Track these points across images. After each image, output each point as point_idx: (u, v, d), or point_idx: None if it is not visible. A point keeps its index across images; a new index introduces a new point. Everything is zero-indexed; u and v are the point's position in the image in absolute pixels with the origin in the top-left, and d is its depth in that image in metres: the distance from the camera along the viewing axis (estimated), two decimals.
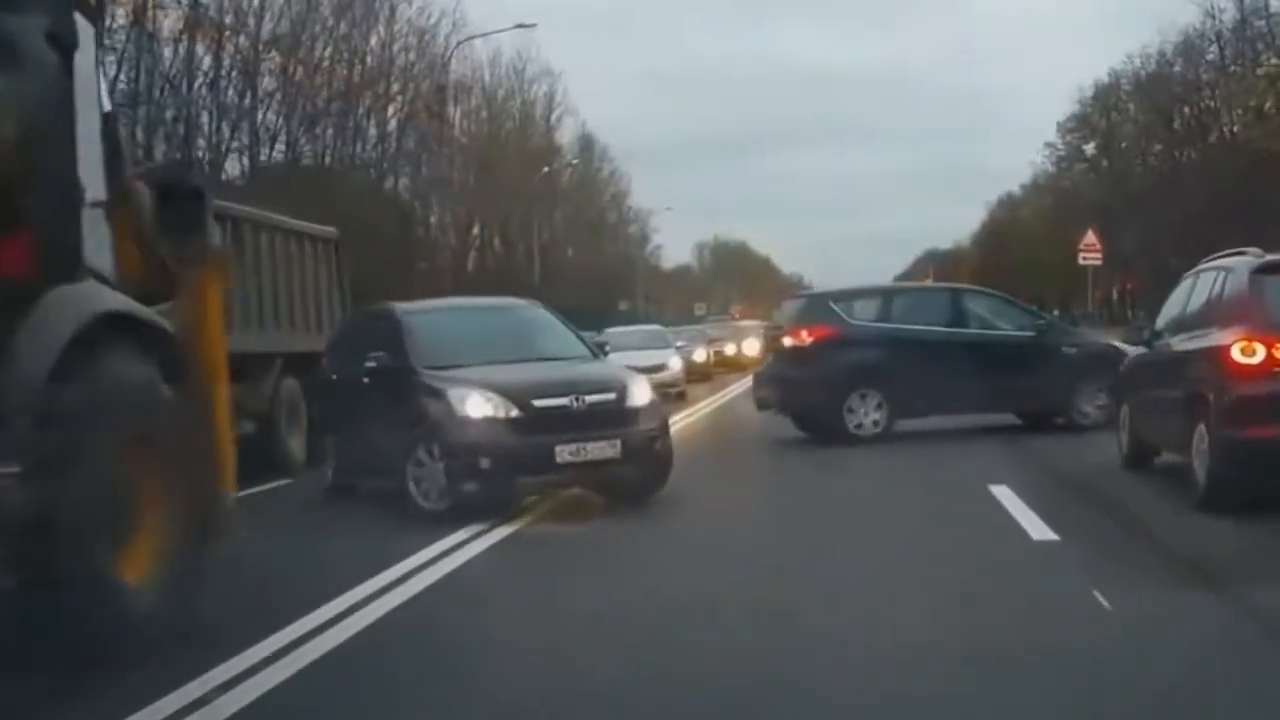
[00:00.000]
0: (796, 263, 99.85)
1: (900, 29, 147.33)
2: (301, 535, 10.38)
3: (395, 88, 56.73)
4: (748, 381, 20.89)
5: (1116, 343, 16.61)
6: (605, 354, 12.10)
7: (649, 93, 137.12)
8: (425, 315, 11.68)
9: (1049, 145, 68.36)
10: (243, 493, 12.83)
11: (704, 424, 20.23)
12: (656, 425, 10.61)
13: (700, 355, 34.44)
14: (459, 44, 53.95)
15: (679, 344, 28.59)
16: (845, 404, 15.17)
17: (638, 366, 27.49)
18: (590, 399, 10.24)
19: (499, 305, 12.85)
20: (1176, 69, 56.35)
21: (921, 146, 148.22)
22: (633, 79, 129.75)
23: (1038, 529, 8.50)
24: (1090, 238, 36.10)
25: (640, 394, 10.57)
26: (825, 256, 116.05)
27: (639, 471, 10.40)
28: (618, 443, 10.14)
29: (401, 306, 11.89)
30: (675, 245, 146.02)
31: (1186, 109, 56.34)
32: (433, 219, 62.23)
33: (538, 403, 10.10)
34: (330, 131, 53.48)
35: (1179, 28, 54.48)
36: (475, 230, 68.92)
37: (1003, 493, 10.17)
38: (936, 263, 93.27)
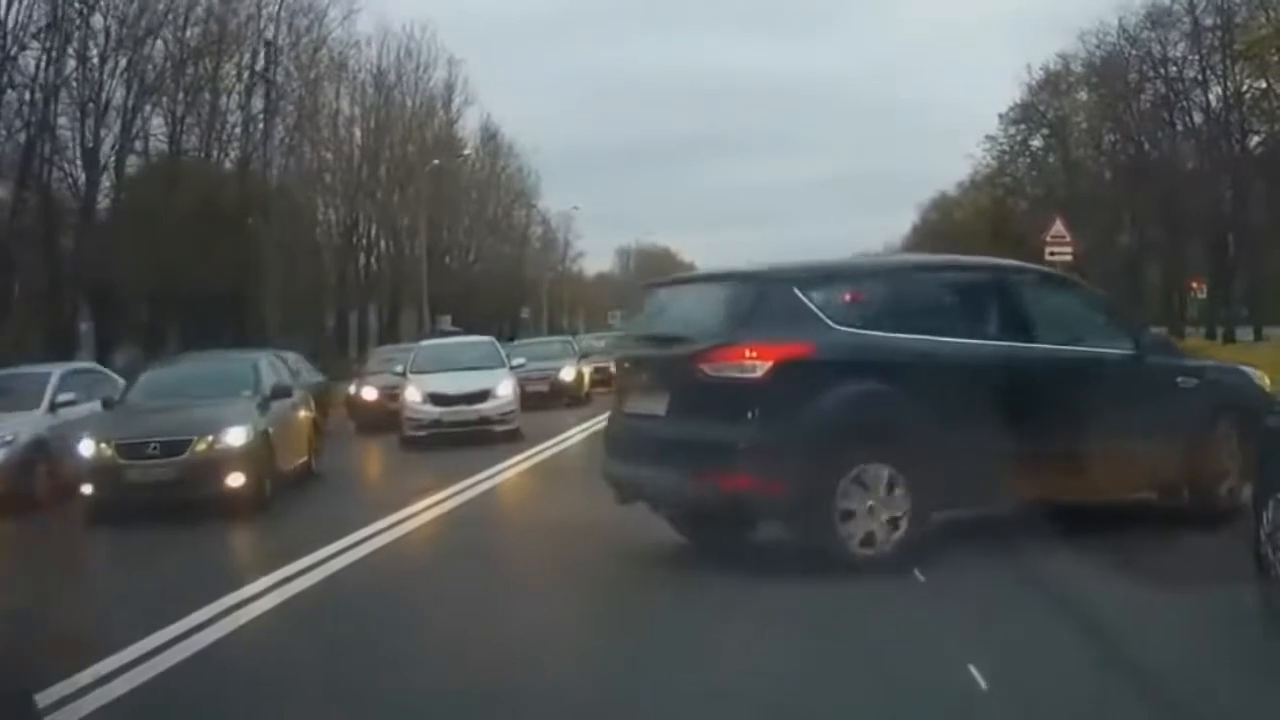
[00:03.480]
0: None
1: (822, 40, 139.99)
2: None
3: (262, 62, 49.07)
4: None
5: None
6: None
7: (568, 101, 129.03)
8: None
9: (989, 139, 63.00)
10: None
11: (514, 498, 12.93)
12: None
13: (569, 373, 27.02)
14: None
15: (517, 361, 21.34)
16: (838, 494, 7.78)
17: (446, 395, 21.09)
18: None
19: None
20: (1137, 48, 50.28)
21: (851, 155, 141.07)
22: (550, 86, 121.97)
23: None
24: (1058, 228, 29.26)
25: None
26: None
27: None
28: None
29: None
30: (602, 254, 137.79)
31: (1149, 89, 50.18)
32: (319, 215, 55.22)
33: None
34: (179, 109, 45.75)
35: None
36: (362, 229, 61.64)
37: None
38: None
